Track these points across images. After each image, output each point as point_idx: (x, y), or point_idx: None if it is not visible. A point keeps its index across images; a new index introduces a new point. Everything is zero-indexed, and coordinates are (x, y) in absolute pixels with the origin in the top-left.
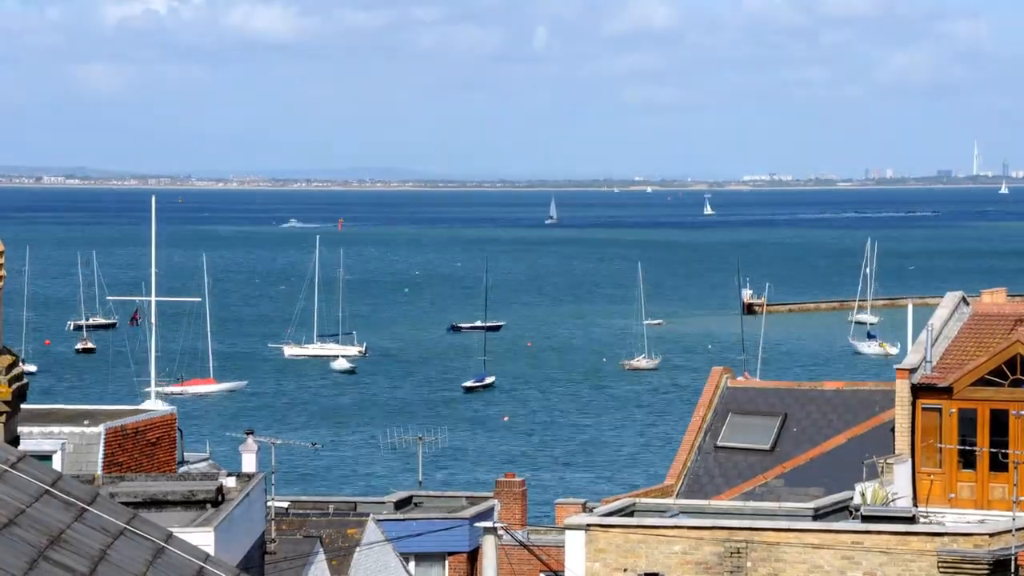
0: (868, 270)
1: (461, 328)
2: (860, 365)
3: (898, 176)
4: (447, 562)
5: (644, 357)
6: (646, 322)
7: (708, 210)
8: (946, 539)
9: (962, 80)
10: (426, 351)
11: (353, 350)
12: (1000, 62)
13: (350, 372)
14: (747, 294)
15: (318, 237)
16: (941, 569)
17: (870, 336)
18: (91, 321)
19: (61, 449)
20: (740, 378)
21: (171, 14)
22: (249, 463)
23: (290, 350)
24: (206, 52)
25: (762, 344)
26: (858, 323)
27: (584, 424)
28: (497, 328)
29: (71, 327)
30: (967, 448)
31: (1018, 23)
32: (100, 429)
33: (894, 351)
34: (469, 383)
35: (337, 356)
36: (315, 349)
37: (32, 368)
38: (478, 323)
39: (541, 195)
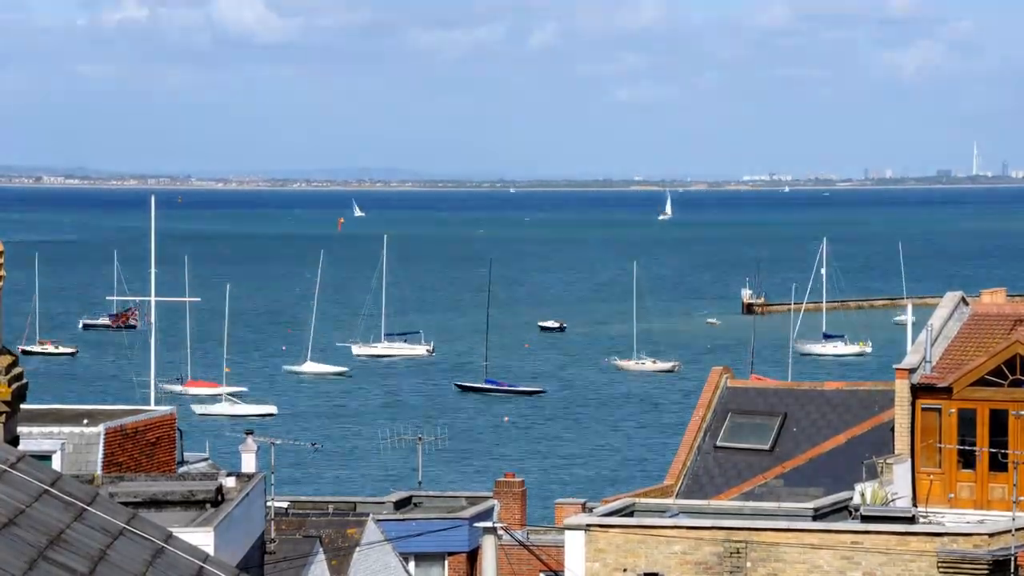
0: (823, 270)
1: (549, 328)
2: (809, 366)
3: (898, 176)
4: (447, 562)
5: (652, 359)
6: (707, 321)
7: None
8: (946, 539)
9: (962, 80)
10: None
11: (421, 349)
12: (1000, 62)
13: (342, 376)
14: (747, 294)
15: (385, 237)
16: (941, 569)
17: (827, 336)
18: (101, 321)
19: (61, 449)
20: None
21: (171, 14)
22: (249, 463)
23: (358, 349)
24: (206, 52)
25: (753, 343)
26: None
27: (584, 424)
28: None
29: (82, 326)
30: (967, 448)
31: (1018, 23)
32: (100, 429)
33: (868, 349)
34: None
35: (306, 361)
36: (382, 348)
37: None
38: (551, 323)
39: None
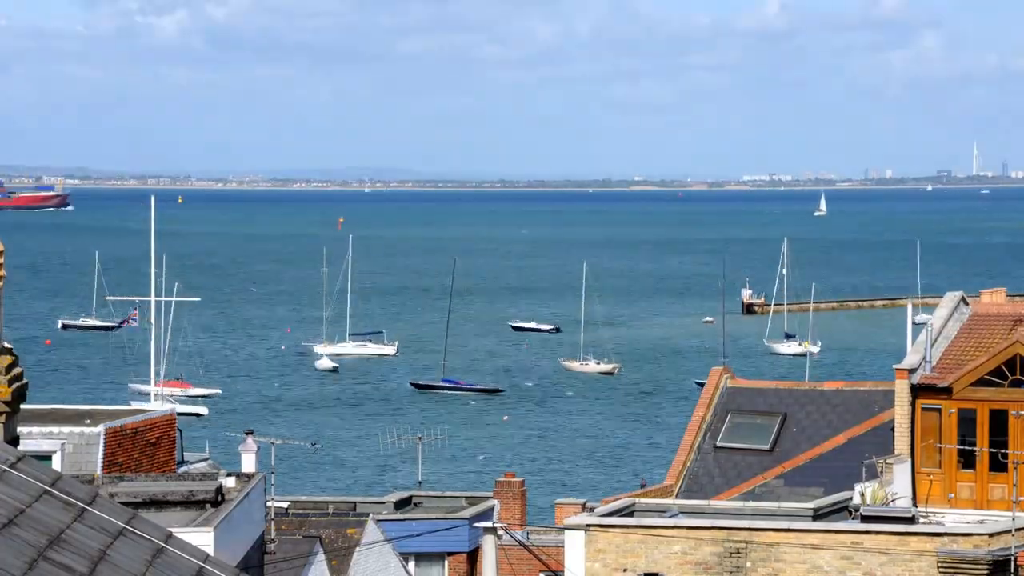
0: (784, 271)
1: (522, 328)
2: (776, 365)
3: (898, 176)
4: (447, 562)
5: (596, 360)
6: (704, 320)
7: None
8: (946, 539)
9: (961, 80)
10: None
11: (388, 348)
12: (1000, 62)
13: (333, 371)
14: (747, 294)
15: (351, 237)
16: (941, 569)
17: (787, 336)
18: (85, 321)
19: (61, 449)
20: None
21: (171, 15)
22: (249, 463)
23: (323, 349)
24: (206, 53)
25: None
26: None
27: (584, 424)
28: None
29: (61, 326)
30: (967, 448)
31: (1018, 23)
32: (100, 429)
33: (815, 349)
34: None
35: (322, 356)
36: (348, 348)
37: None
38: (533, 324)
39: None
